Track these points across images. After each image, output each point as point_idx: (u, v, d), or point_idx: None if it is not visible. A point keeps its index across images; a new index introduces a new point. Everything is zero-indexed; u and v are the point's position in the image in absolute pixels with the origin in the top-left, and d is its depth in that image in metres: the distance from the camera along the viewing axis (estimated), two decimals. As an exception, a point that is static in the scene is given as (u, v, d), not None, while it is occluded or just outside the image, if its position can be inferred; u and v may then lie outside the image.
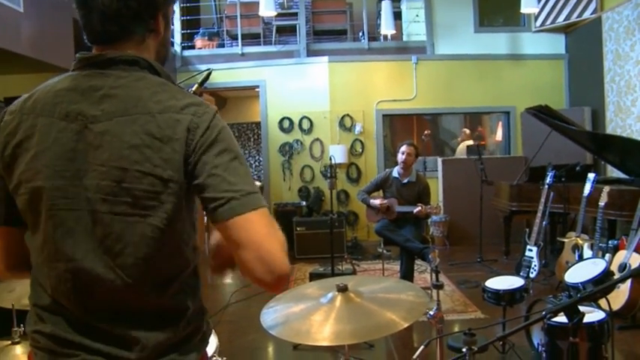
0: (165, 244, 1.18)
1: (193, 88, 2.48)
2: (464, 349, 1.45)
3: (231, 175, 1.14)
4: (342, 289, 1.92)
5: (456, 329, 4.52)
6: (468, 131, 9.66)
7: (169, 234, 1.18)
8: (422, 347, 2.36)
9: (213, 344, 2.09)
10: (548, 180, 5.59)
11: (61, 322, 1.18)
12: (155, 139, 1.13)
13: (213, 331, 2.16)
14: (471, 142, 8.97)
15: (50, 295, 1.19)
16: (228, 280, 6.85)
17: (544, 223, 5.60)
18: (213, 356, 2.02)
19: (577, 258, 4.86)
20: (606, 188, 4.81)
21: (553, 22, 8.38)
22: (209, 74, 2.48)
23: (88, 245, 1.15)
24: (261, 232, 1.12)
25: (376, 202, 5.59)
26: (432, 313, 2.38)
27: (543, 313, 1.46)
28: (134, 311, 1.18)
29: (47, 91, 1.22)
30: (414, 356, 2.74)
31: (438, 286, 2.59)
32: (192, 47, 9.18)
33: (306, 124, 8.58)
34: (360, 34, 9.34)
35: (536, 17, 8.56)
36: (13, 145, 1.19)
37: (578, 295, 1.52)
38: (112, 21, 1.19)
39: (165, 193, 1.14)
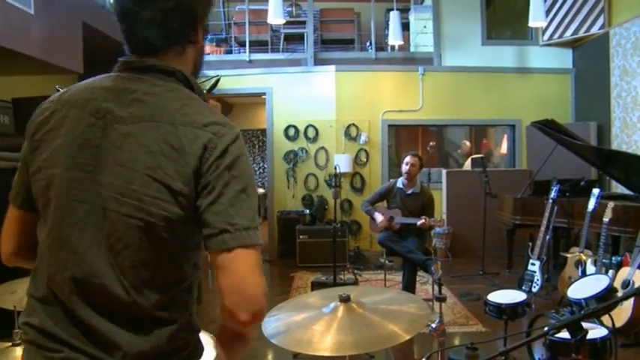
0: (164, 253, 1.18)
1: (201, 95, 2.49)
2: (466, 364, 1.44)
3: (233, 207, 1.15)
4: (345, 300, 1.92)
5: (457, 342, 4.50)
6: (468, 143, 9.65)
7: (170, 244, 1.18)
8: (423, 360, 2.35)
9: (212, 352, 2.08)
10: (552, 194, 5.57)
11: (51, 316, 1.18)
12: (172, 150, 1.15)
13: (214, 338, 2.15)
14: (480, 155, 8.94)
15: (46, 286, 1.20)
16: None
17: (547, 237, 5.58)
18: (212, 363, 2.01)
19: (580, 273, 4.83)
20: (611, 204, 4.79)
21: (561, 36, 8.38)
22: (217, 81, 2.50)
23: (93, 240, 1.17)
24: (245, 267, 1.14)
25: (378, 218, 5.56)
26: (434, 325, 2.37)
27: (546, 328, 1.45)
28: (123, 313, 1.17)
29: (85, 87, 1.27)
30: (415, 368, 2.73)
31: (441, 299, 2.59)
32: (200, 53, 9.19)
33: (311, 133, 8.59)
34: (368, 43, 9.36)
35: (544, 31, 8.56)
36: (43, 132, 1.24)
37: (582, 312, 1.51)
38: (155, 33, 1.23)
39: (171, 203, 1.15)
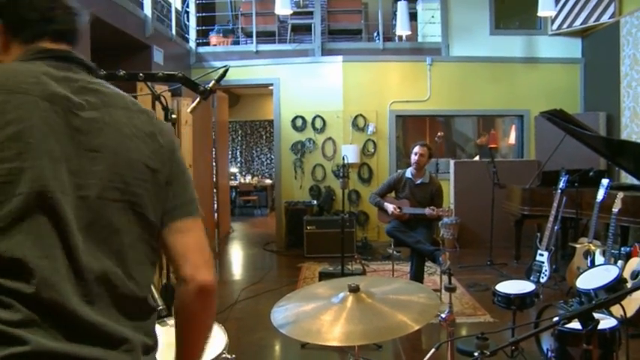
0: (150, 233, 1.19)
1: (210, 85, 2.49)
2: (476, 353, 1.44)
3: (191, 186, 1.29)
4: (354, 290, 1.92)
5: (465, 332, 4.50)
6: (488, 135, 9.62)
7: (153, 225, 1.19)
8: (433, 350, 2.35)
9: (222, 341, 2.09)
10: (561, 185, 5.54)
11: (42, 332, 0.97)
12: (142, 132, 1.20)
13: (223, 327, 2.16)
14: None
15: (31, 295, 0.97)
16: (237, 276, 6.87)
17: (556, 227, 5.56)
18: (222, 353, 2.02)
19: (589, 264, 4.81)
20: (620, 194, 4.76)
21: (570, 25, 8.31)
22: (226, 71, 2.49)
23: (78, 233, 1.04)
24: (203, 233, 1.27)
25: (390, 207, 5.55)
26: (443, 315, 2.37)
27: (557, 319, 1.45)
28: (122, 300, 1.09)
29: (21, 71, 1.10)
30: (425, 359, 2.73)
31: (451, 289, 2.58)
32: (207, 44, 9.20)
33: (318, 123, 8.58)
34: (375, 34, 9.32)
35: (553, 21, 8.49)
36: None
37: (593, 302, 1.50)
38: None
39: (149, 182, 1.18)
